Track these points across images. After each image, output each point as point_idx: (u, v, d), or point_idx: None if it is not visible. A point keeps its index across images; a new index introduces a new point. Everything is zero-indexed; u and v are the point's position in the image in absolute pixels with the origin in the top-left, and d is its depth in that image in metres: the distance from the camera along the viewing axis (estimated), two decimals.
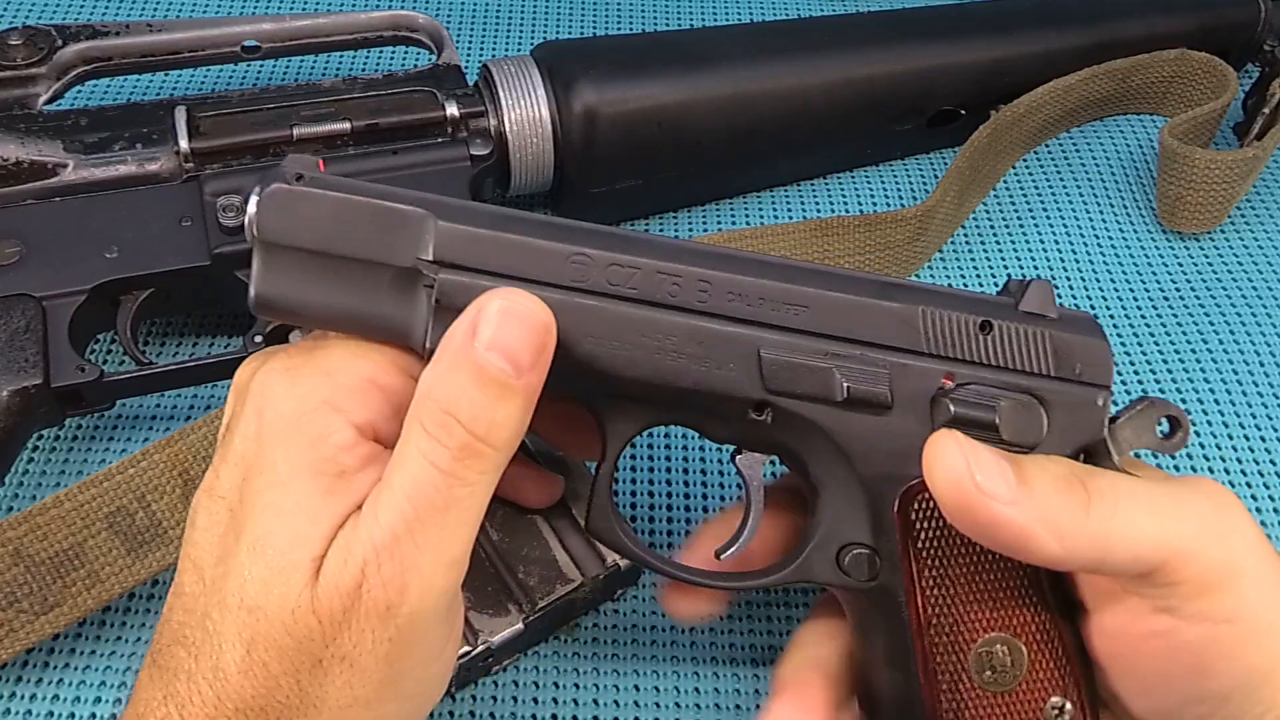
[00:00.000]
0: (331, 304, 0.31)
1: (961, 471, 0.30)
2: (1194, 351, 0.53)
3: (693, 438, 0.49)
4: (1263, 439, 0.50)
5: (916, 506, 0.33)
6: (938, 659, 0.32)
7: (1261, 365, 0.53)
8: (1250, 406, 0.51)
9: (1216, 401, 0.51)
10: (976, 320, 0.33)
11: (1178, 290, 0.56)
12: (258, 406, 0.30)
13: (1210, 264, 0.57)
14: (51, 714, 0.40)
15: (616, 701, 0.41)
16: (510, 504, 0.41)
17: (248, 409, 0.30)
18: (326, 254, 0.30)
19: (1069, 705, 0.32)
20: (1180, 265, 0.57)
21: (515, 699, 0.41)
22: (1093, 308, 0.55)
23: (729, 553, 0.35)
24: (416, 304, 0.31)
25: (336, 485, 0.29)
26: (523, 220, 0.32)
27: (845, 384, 0.32)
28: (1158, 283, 0.56)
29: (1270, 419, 0.51)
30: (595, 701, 0.41)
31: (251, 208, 0.30)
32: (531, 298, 0.30)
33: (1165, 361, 0.53)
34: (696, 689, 0.41)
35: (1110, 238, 0.58)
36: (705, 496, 0.47)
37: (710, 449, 0.49)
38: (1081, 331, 0.34)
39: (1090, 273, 0.56)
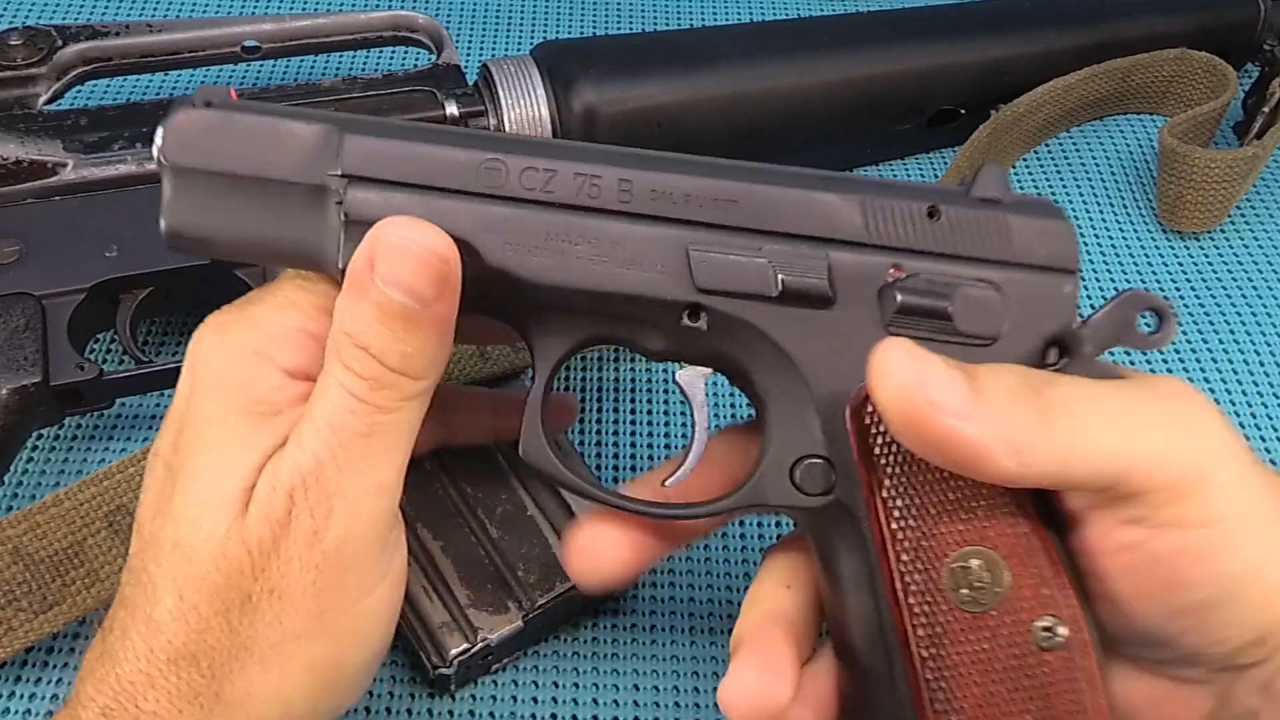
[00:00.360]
0: (244, 230, 0.30)
1: (911, 383, 0.27)
2: (1194, 351, 0.53)
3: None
4: (1263, 438, 0.50)
5: (870, 410, 0.30)
6: (906, 577, 0.30)
7: (1262, 365, 0.53)
8: (1250, 406, 0.51)
9: (1216, 400, 0.51)
10: (923, 207, 0.31)
11: (1178, 290, 0.56)
12: (190, 364, 0.31)
13: (1210, 264, 0.57)
14: (51, 714, 0.40)
15: (616, 701, 0.41)
16: (510, 503, 0.41)
17: (184, 369, 0.31)
18: (235, 176, 0.30)
19: (1061, 627, 0.29)
20: (1180, 265, 0.57)
21: (515, 698, 0.41)
22: (1093, 308, 0.55)
23: (674, 478, 0.33)
24: (328, 223, 0.30)
25: (269, 421, 0.30)
26: (435, 131, 0.31)
27: (780, 276, 0.31)
28: (1158, 283, 0.56)
29: (1270, 418, 0.51)
30: (595, 701, 0.41)
31: (159, 135, 0.30)
32: (426, 227, 0.29)
33: (1165, 361, 0.53)
34: (696, 689, 0.41)
35: (1110, 237, 0.58)
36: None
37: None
38: (1040, 214, 0.32)
39: (1090, 273, 0.56)
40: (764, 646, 0.32)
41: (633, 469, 0.47)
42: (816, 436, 0.31)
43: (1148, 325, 0.31)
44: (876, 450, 0.30)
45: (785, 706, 0.31)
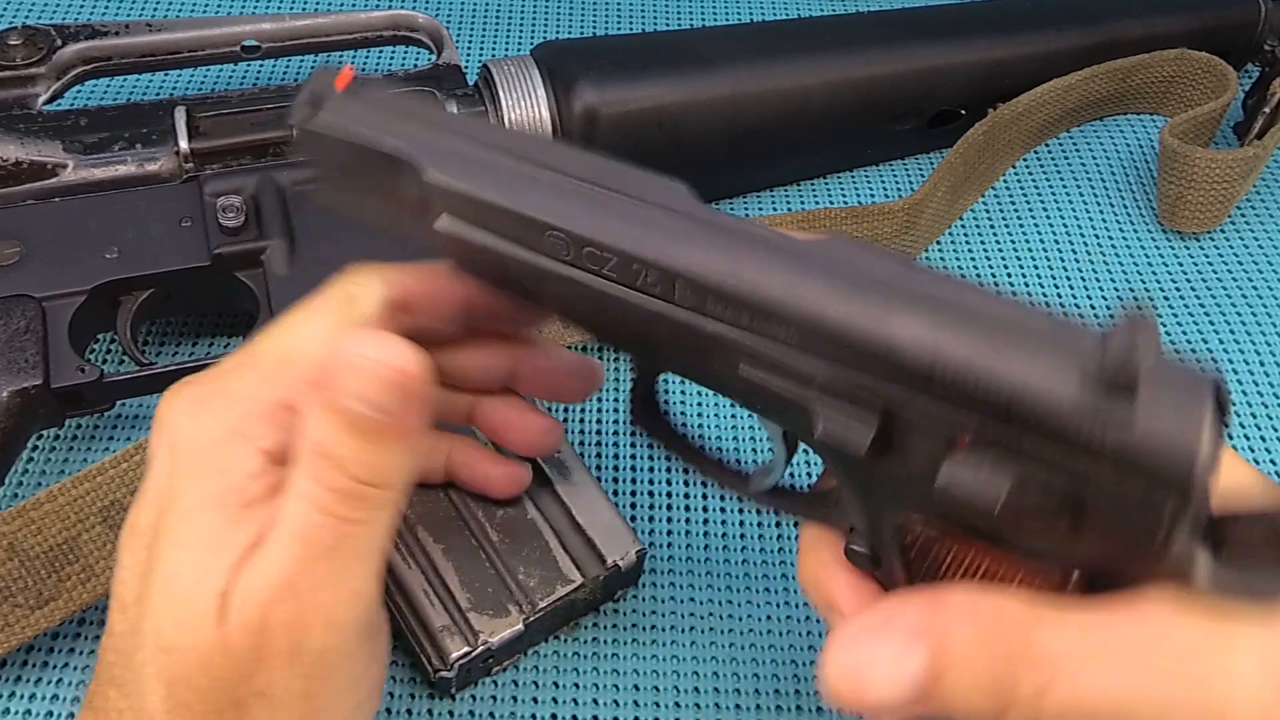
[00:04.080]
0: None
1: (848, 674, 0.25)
2: (1194, 351, 0.53)
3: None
4: (1263, 439, 0.50)
5: (912, 537, 0.28)
6: None
7: (1262, 365, 0.53)
8: (1250, 406, 0.51)
9: None
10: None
11: (1178, 290, 0.56)
12: (169, 441, 0.30)
13: (1210, 264, 0.57)
14: (51, 714, 0.40)
15: (616, 701, 0.41)
16: (511, 506, 0.41)
17: (161, 444, 0.30)
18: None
19: None
20: (1180, 265, 0.57)
21: (515, 698, 0.41)
22: (1093, 308, 0.55)
23: (762, 484, 0.33)
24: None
25: (243, 515, 0.29)
26: (526, 181, 0.30)
27: (822, 424, 0.27)
28: (1158, 283, 0.56)
29: (1270, 419, 0.51)
30: (595, 701, 0.41)
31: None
32: (389, 342, 0.28)
33: None
34: (696, 689, 0.41)
35: (1110, 238, 0.58)
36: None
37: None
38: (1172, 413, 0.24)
39: (1090, 273, 0.56)
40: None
41: (633, 470, 0.47)
42: (862, 522, 0.30)
43: None
44: (916, 570, 0.29)
45: None
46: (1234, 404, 0.51)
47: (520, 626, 0.39)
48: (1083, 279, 0.56)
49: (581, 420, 0.49)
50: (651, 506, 0.46)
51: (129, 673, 0.29)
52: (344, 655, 0.29)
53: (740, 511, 0.46)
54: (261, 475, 0.29)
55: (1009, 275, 0.56)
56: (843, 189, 0.60)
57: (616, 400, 0.50)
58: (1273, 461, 0.49)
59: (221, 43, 0.53)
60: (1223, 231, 0.59)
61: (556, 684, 0.41)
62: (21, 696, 0.40)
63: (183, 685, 0.28)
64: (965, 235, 0.58)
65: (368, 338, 0.28)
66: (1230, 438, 0.50)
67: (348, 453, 0.28)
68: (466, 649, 0.38)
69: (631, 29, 0.69)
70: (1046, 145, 0.63)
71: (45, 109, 0.49)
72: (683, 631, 0.43)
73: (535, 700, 0.41)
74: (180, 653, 0.28)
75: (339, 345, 0.28)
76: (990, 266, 0.57)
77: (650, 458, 0.48)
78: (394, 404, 0.28)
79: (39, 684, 0.41)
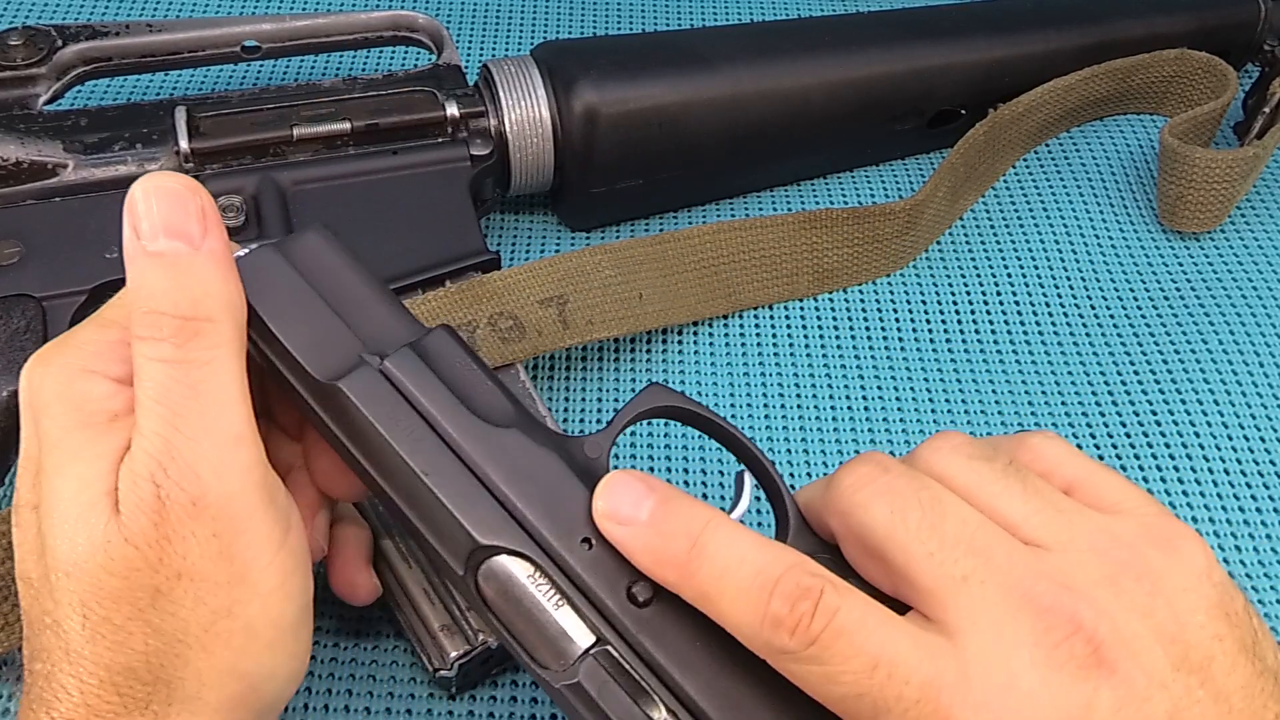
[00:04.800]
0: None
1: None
2: (1194, 351, 0.53)
3: (694, 441, 0.49)
4: (1263, 439, 0.50)
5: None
6: None
7: (1261, 365, 0.53)
8: (1250, 407, 0.51)
9: (1216, 402, 0.51)
10: None
11: (1178, 290, 0.56)
12: (27, 402, 0.30)
13: (1210, 264, 0.57)
14: None
15: None
16: None
17: (25, 413, 0.30)
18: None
19: None
20: (1180, 265, 0.57)
21: (515, 699, 0.41)
22: (1093, 308, 0.55)
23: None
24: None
25: (110, 427, 0.29)
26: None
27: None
28: (1158, 283, 0.56)
29: (1270, 419, 0.51)
30: None
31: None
32: (169, 175, 0.30)
33: (1165, 361, 0.53)
34: None
35: (1110, 238, 0.58)
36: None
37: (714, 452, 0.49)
38: None
39: (1090, 273, 0.56)
40: None
41: None
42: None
43: None
44: None
45: None
46: (1234, 405, 0.51)
47: None
48: (1083, 279, 0.56)
49: (582, 428, 0.49)
50: None
51: (44, 632, 0.29)
52: (247, 505, 0.29)
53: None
54: (115, 395, 0.30)
55: (1009, 275, 0.56)
56: (843, 189, 0.60)
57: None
58: (1272, 463, 0.49)
59: (222, 43, 0.53)
60: (1223, 231, 0.59)
61: None
62: (20, 696, 0.40)
63: (94, 598, 0.28)
64: (965, 235, 0.58)
65: (148, 175, 0.30)
66: (1230, 439, 0.50)
67: (162, 294, 0.29)
68: (467, 649, 0.38)
69: (631, 29, 0.69)
70: (1046, 145, 0.63)
71: (45, 109, 0.49)
72: None
73: (535, 700, 0.41)
74: (82, 565, 0.28)
75: (130, 193, 0.30)
76: (990, 266, 0.57)
77: (650, 457, 0.48)
78: (194, 224, 0.30)
79: None
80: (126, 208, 0.30)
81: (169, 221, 0.30)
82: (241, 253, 0.32)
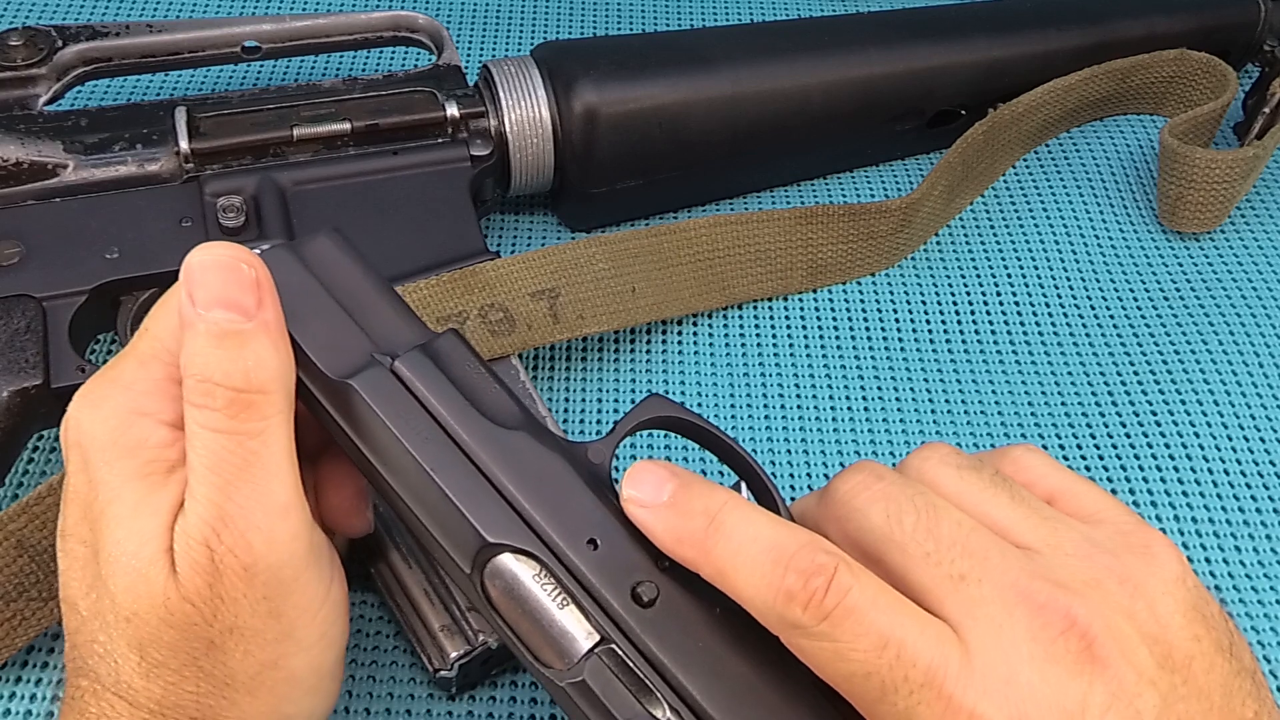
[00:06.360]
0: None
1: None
2: (1194, 351, 0.53)
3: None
4: (1262, 439, 0.50)
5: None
6: None
7: (1261, 366, 0.53)
8: (1250, 407, 0.51)
9: (1216, 402, 0.51)
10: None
11: (1178, 290, 0.56)
12: (75, 441, 0.31)
13: (1210, 264, 0.57)
14: (52, 714, 0.40)
15: None
16: None
17: (70, 448, 0.31)
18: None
19: None
20: (1180, 265, 0.57)
21: (514, 699, 0.41)
22: (1093, 308, 0.55)
23: None
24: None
25: (165, 480, 0.30)
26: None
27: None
28: (1158, 283, 0.56)
29: (1270, 419, 0.51)
30: None
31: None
32: (227, 244, 0.31)
33: (1165, 362, 0.53)
34: None
35: (1110, 238, 0.58)
36: None
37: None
38: None
39: (1090, 273, 0.56)
40: None
41: None
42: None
43: None
44: None
45: None
46: (1234, 405, 0.51)
47: None
48: (1082, 279, 0.56)
49: (581, 427, 0.49)
50: None
51: (94, 658, 0.30)
52: (294, 570, 0.30)
53: None
54: (171, 444, 0.31)
55: (1009, 275, 0.56)
56: (842, 189, 0.60)
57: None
58: (1272, 463, 0.49)
59: (222, 43, 0.53)
60: (1223, 232, 0.59)
61: None
62: (22, 697, 0.40)
63: (152, 644, 0.29)
64: (965, 235, 0.58)
65: (209, 244, 0.31)
66: (1229, 439, 0.50)
67: (216, 365, 0.30)
68: (467, 649, 0.38)
69: (631, 29, 0.69)
70: (1046, 145, 0.63)
71: (46, 109, 0.49)
72: None
73: (535, 700, 0.41)
74: (142, 615, 0.29)
75: (187, 260, 0.30)
76: (990, 266, 0.57)
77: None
78: (249, 297, 0.30)
79: (39, 684, 0.41)
80: (183, 273, 0.30)
81: (224, 293, 0.30)
82: (256, 252, 0.32)
